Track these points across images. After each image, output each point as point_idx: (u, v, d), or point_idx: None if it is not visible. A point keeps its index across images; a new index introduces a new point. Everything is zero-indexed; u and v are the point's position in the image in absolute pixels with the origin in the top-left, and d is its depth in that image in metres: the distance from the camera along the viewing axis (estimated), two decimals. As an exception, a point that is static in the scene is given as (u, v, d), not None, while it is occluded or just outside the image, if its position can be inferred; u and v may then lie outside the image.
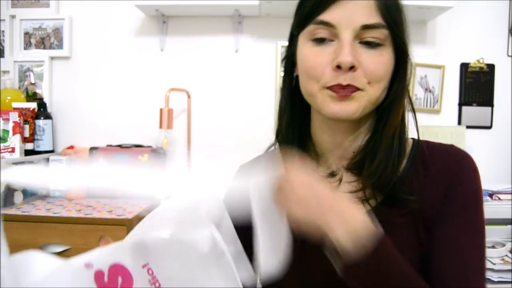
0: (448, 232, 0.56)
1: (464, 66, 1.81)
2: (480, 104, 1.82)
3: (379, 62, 0.55)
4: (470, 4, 1.78)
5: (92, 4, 1.86)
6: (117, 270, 0.45)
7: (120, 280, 0.44)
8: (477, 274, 0.55)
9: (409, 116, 0.64)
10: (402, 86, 0.59)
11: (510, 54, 1.81)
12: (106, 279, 0.44)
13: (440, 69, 1.80)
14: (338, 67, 0.54)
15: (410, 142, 0.64)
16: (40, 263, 0.44)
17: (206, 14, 1.80)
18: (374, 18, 0.54)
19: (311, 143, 0.65)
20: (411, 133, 0.65)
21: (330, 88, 0.55)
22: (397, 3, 0.57)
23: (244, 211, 0.50)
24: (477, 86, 1.81)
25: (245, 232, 0.53)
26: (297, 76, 0.63)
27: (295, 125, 0.65)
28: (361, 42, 0.55)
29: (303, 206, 0.48)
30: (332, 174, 0.62)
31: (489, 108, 1.82)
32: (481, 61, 1.80)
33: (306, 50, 0.58)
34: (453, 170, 0.59)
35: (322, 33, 0.56)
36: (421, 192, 0.58)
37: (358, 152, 0.61)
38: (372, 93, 0.56)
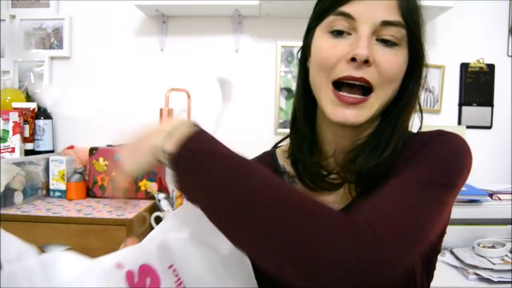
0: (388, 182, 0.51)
1: (464, 66, 1.81)
2: (480, 104, 1.82)
3: (394, 61, 0.55)
4: (470, 4, 1.78)
5: (92, 4, 1.86)
6: (146, 270, 0.45)
7: (148, 281, 0.45)
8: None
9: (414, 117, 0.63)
10: (416, 88, 0.59)
11: (510, 54, 1.81)
12: (136, 279, 0.44)
13: (440, 69, 1.80)
14: (353, 59, 0.53)
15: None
16: (69, 263, 0.43)
17: (206, 14, 1.80)
18: (394, 16, 0.54)
19: (316, 139, 0.65)
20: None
21: (336, 88, 0.54)
22: (416, 5, 0.58)
23: None
24: (477, 86, 1.81)
25: None
26: (308, 69, 0.63)
27: (308, 118, 0.64)
28: (378, 40, 0.55)
29: (132, 148, 0.52)
30: (334, 171, 0.61)
31: (489, 108, 1.82)
32: (481, 61, 1.80)
33: (322, 41, 0.57)
34: (432, 137, 0.56)
35: (341, 25, 0.55)
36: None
37: (356, 147, 0.59)
38: (383, 96, 0.55)
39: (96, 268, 0.42)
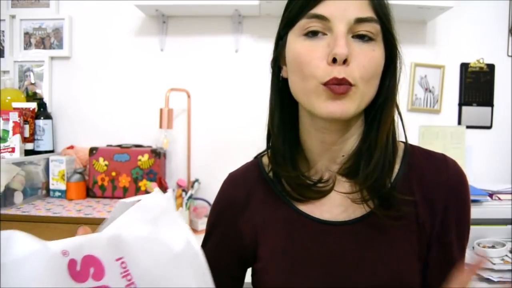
0: (446, 256, 0.59)
1: (464, 66, 1.81)
2: (480, 104, 1.82)
3: (371, 57, 0.54)
4: (470, 4, 1.78)
5: (92, 4, 1.86)
6: (90, 261, 0.45)
7: (92, 270, 0.45)
8: None
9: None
10: (393, 83, 0.59)
11: (510, 54, 1.81)
12: (78, 267, 0.45)
13: (440, 69, 1.80)
14: (334, 60, 0.53)
15: (401, 145, 0.64)
16: (22, 242, 0.45)
17: (206, 14, 1.80)
18: (367, 12, 0.54)
19: (300, 148, 0.64)
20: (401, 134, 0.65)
21: (326, 85, 0.53)
22: (385, 3, 0.58)
23: None
24: (477, 86, 1.81)
25: None
26: (284, 79, 0.62)
27: (286, 129, 0.63)
28: (354, 36, 0.54)
29: None
30: (321, 180, 0.61)
31: (489, 108, 1.82)
32: (481, 61, 1.80)
33: (298, 45, 0.56)
34: (455, 189, 0.60)
35: (315, 26, 0.54)
36: (417, 197, 0.59)
37: (351, 155, 0.60)
38: (364, 90, 0.55)
39: (43, 251, 0.44)
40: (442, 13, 1.68)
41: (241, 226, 0.65)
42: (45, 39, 1.87)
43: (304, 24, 0.55)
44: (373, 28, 0.54)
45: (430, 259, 0.59)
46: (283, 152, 0.62)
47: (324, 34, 0.55)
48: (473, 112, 1.82)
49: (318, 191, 0.61)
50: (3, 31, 1.88)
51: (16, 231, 0.45)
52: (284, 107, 0.63)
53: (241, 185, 0.68)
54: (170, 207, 0.49)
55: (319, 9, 0.54)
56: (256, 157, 0.73)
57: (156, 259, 0.47)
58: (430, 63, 1.79)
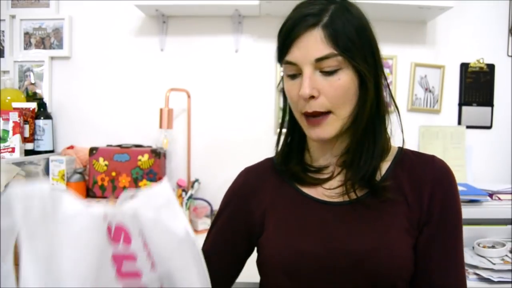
0: (434, 241, 0.66)
1: (464, 66, 1.81)
2: (480, 104, 1.82)
3: (337, 86, 0.65)
4: (470, 4, 1.78)
5: (92, 4, 1.86)
6: (121, 228, 0.54)
7: (122, 235, 0.54)
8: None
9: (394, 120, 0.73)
10: (365, 99, 0.67)
11: (510, 54, 1.81)
12: (112, 234, 0.53)
13: (440, 69, 1.80)
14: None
15: (395, 149, 0.75)
16: (71, 202, 0.52)
17: (206, 14, 1.80)
18: (325, 50, 0.63)
19: (306, 148, 0.78)
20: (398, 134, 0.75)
21: (304, 115, 0.67)
22: (350, 30, 0.64)
23: None
24: (477, 86, 1.81)
25: None
26: None
27: (296, 132, 0.76)
28: (321, 71, 0.65)
29: None
30: (322, 168, 0.74)
31: (489, 108, 1.82)
32: (481, 61, 1.80)
33: (286, 85, 0.70)
34: (438, 179, 0.69)
35: (291, 70, 0.67)
36: (405, 191, 0.68)
37: (345, 152, 0.72)
38: (343, 113, 0.67)
39: (89, 213, 0.52)
40: (442, 13, 1.68)
41: (252, 206, 0.76)
42: (45, 39, 1.87)
43: (284, 68, 0.69)
44: (334, 61, 0.64)
45: (419, 245, 0.67)
46: (289, 150, 0.77)
47: (300, 73, 0.66)
48: (473, 112, 1.82)
49: (318, 178, 0.73)
50: (3, 31, 1.88)
51: (66, 192, 0.52)
52: (294, 118, 0.75)
53: (255, 174, 0.81)
54: (173, 199, 0.56)
55: (288, 56, 0.66)
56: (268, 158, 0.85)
57: (164, 240, 0.54)
58: (430, 63, 1.79)
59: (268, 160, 0.83)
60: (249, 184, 0.79)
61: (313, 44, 0.63)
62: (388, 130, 0.72)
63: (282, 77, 0.74)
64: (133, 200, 0.56)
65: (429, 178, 0.69)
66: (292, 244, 0.68)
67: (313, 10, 0.64)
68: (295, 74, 0.67)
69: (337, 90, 0.65)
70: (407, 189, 0.68)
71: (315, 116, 0.67)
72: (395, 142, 0.77)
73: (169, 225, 0.54)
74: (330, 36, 0.63)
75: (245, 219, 0.77)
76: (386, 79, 0.71)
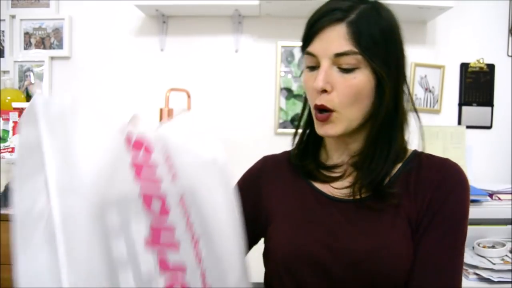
0: (428, 241, 0.64)
1: (464, 66, 1.81)
2: (480, 104, 1.82)
3: (350, 85, 0.64)
4: (470, 4, 1.78)
5: (92, 4, 1.86)
6: (142, 141, 0.55)
7: (143, 147, 0.54)
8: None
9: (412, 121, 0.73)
10: (379, 104, 0.66)
11: (510, 54, 1.81)
12: (132, 143, 0.54)
13: (440, 69, 1.80)
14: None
15: (410, 151, 0.73)
16: (87, 112, 0.52)
17: (206, 14, 1.80)
18: (346, 46, 0.63)
19: (323, 145, 0.77)
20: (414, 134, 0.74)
21: (315, 109, 0.68)
22: (376, 32, 0.64)
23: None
24: (477, 86, 1.81)
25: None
26: None
27: (311, 133, 0.76)
28: (339, 68, 0.64)
29: None
30: (335, 166, 0.74)
31: (489, 108, 1.82)
32: (481, 61, 1.80)
33: (304, 76, 0.70)
34: (443, 180, 0.67)
35: (311, 61, 0.67)
36: (410, 192, 0.67)
37: (358, 152, 0.71)
38: (348, 113, 0.66)
39: (107, 121, 0.54)
40: (442, 13, 1.68)
41: (263, 192, 0.77)
42: (45, 39, 1.87)
43: (305, 59, 0.69)
44: (353, 59, 0.63)
45: (415, 242, 0.65)
46: (304, 146, 0.77)
47: (319, 66, 0.66)
48: (473, 112, 1.82)
49: (329, 176, 0.73)
50: (3, 31, 1.88)
51: (84, 102, 0.52)
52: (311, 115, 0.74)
53: (272, 163, 0.82)
54: (209, 131, 0.61)
55: (310, 48, 0.66)
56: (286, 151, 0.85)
57: (190, 160, 0.57)
58: (430, 63, 1.79)
59: (286, 153, 0.83)
60: (265, 172, 0.80)
61: (335, 39, 0.63)
62: (406, 137, 0.72)
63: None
64: (168, 123, 0.61)
65: (435, 178, 0.67)
66: (295, 239, 0.69)
67: (342, 5, 0.64)
68: (314, 66, 0.67)
69: (350, 88, 0.64)
70: (412, 190, 0.67)
71: (322, 112, 0.66)
72: (411, 146, 0.75)
73: (197, 148, 0.58)
74: (353, 34, 0.62)
75: (254, 203, 0.77)
76: (408, 87, 0.70)
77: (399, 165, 0.70)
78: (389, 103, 0.66)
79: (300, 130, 0.79)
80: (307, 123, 0.77)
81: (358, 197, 0.68)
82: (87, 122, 0.50)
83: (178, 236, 0.53)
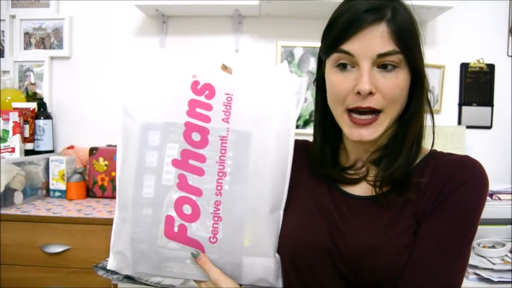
0: (426, 230, 0.63)
1: (464, 66, 1.81)
2: (480, 104, 1.82)
3: (395, 85, 0.63)
4: (470, 4, 1.78)
5: (92, 4, 1.86)
6: (208, 87, 0.66)
7: (206, 93, 0.66)
8: (441, 283, 0.60)
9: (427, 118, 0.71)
10: (419, 102, 0.67)
11: (510, 54, 1.81)
12: (198, 87, 0.66)
13: (440, 69, 1.80)
14: (359, 93, 0.62)
15: (426, 150, 0.71)
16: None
17: (206, 14, 1.80)
18: (388, 46, 0.61)
19: (342, 142, 0.75)
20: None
21: (350, 112, 0.65)
22: (410, 28, 0.64)
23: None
24: (477, 86, 1.81)
25: None
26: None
27: (329, 130, 0.74)
28: (379, 67, 0.62)
29: None
30: (353, 166, 0.72)
31: (489, 108, 1.82)
32: (481, 61, 1.80)
33: (332, 76, 0.66)
34: (456, 173, 0.64)
35: (344, 60, 0.64)
36: (421, 187, 0.65)
37: (379, 148, 0.69)
38: (392, 113, 0.64)
39: (179, 66, 0.69)
40: (442, 13, 1.68)
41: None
42: (45, 39, 1.87)
43: (336, 57, 0.65)
44: (395, 58, 0.62)
45: (417, 232, 0.63)
46: (322, 152, 0.75)
47: (353, 66, 0.63)
48: (473, 112, 1.82)
49: (351, 178, 0.71)
50: (3, 31, 1.88)
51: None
52: (328, 118, 0.72)
53: (297, 147, 0.76)
54: (292, 80, 0.70)
55: (346, 46, 0.62)
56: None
57: (254, 107, 0.65)
58: (430, 63, 1.79)
59: (307, 143, 0.82)
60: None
61: (377, 39, 0.61)
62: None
63: (318, 71, 0.72)
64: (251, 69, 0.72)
65: (449, 172, 0.64)
66: (302, 231, 0.68)
67: (375, 4, 0.62)
68: (345, 64, 0.64)
69: (394, 89, 0.63)
70: (424, 187, 0.64)
71: (363, 114, 0.63)
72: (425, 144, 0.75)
73: (270, 96, 0.66)
74: (394, 32, 0.61)
75: None
76: (428, 83, 0.69)
77: (416, 162, 0.69)
78: (426, 101, 0.67)
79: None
80: (321, 129, 0.74)
81: (380, 191, 0.66)
82: (164, 66, 0.68)
83: (206, 166, 0.63)
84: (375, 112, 0.64)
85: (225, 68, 0.73)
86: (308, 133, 0.95)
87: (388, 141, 0.69)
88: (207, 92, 0.65)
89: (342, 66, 0.64)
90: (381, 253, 0.62)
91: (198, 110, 0.64)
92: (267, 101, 0.66)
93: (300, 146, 0.77)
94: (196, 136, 0.63)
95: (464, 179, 0.63)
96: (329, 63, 0.67)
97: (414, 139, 0.68)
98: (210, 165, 0.63)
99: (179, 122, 0.63)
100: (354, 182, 0.71)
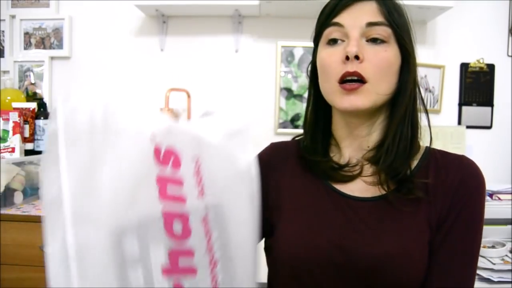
0: (447, 247, 0.62)
1: (464, 66, 1.81)
2: (480, 104, 1.82)
3: (383, 56, 0.62)
4: (470, 4, 1.78)
5: (92, 4, 1.86)
6: (171, 153, 0.51)
7: (172, 159, 0.51)
8: None
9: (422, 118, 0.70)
10: (406, 79, 0.65)
11: (510, 54, 1.81)
12: (161, 157, 0.50)
13: (440, 69, 1.80)
14: (347, 58, 0.62)
15: (422, 147, 0.70)
16: (119, 116, 0.48)
17: (206, 14, 1.80)
18: (377, 17, 0.63)
19: (333, 139, 0.73)
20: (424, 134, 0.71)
21: (340, 82, 0.63)
22: (398, 7, 0.65)
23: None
24: (477, 86, 1.81)
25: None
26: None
27: (319, 125, 0.73)
28: (368, 40, 0.63)
29: None
30: (348, 164, 0.69)
31: (489, 108, 1.82)
32: (481, 61, 1.80)
33: (322, 53, 0.67)
34: (463, 182, 0.64)
35: (335, 34, 0.65)
36: (429, 189, 0.64)
37: (375, 146, 0.68)
38: (378, 87, 0.63)
39: (137, 131, 0.49)
40: (442, 13, 1.68)
41: (270, 183, 0.72)
42: (45, 39, 1.87)
43: (327, 33, 0.66)
44: (384, 31, 0.63)
45: (433, 244, 0.63)
46: (313, 144, 0.72)
47: (343, 40, 0.64)
48: (473, 112, 1.82)
49: (345, 175, 0.69)
50: (3, 31, 1.88)
51: (118, 101, 0.49)
52: (320, 108, 0.72)
53: (280, 151, 0.77)
54: (247, 130, 0.56)
55: (337, 19, 0.64)
56: (294, 138, 0.80)
57: (222, 168, 0.54)
58: (430, 63, 1.79)
59: (295, 142, 0.78)
60: (272, 160, 0.75)
61: (366, 12, 0.63)
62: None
63: (312, 61, 0.72)
64: (201, 121, 0.56)
65: (455, 179, 0.64)
66: (305, 240, 0.64)
67: None
68: (336, 39, 0.64)
69: (382, 61, 0.62)
70: (432, 189, 0.64)
71: (352, 82, 0.62)
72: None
73: (234, 155, 0.54)
74: (383, 9, 0.63)
75: (261, 195, 0.72)
76: (416, 66, 0.68)
77: (416, 161, 0.68)
78: (413, 85, 0.66)
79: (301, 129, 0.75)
80: (314, 119, 0.73)
81: (382, 191, 0.65)
82: (115, 132, 0.47)
83: (196, 260, 0.51)
84: (363, 82, 0.63)
85: (173, 113, 0.63)
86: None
87: (382, 137, 0.67)
88: (172, 159, 0.51)
89: (333, 42, 0.65)
90: (394, 264, 0.60)
91: (170, 188, 0.50)
92: (237, 154, 0.56)
93: (287, 149, 0.76)
94: (177, 226, 0.50)
95: (473, 185, 0.64)
96: (321, 43, 0.67)
97: (402, 125, 0.66)
98: (200, 259, 0.51)
99: (156, 214, 0.48)
100: (349, 179, 0.68)
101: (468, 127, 1.80)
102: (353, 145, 0.70)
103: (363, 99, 0.63)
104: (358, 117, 0.67)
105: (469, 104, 1.82)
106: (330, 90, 0.65)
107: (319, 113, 0.73)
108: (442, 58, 1.80)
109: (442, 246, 0.62)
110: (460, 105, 1.83)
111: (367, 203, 0.65)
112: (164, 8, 1.72)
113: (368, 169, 0.68)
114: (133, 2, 1.67)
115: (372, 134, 0.68)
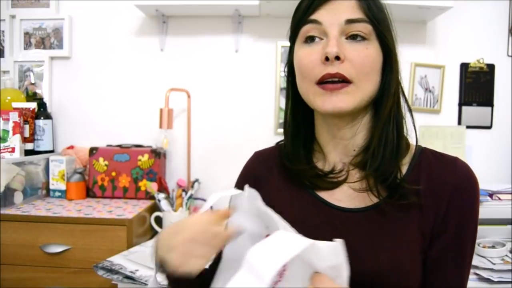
0: (442, 258, 0.60)
1: (464, 66, 1.81)
2: (480, 104, 1.82)
3: (365, 55, 0.59)
4: (470, 4, 1.78)
5: (92, 4, 1.86)
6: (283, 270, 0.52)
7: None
8: None
9: (407, 118, 0.66)
10: (390, 77, 0.63)
11: (510, 54, 1.81)
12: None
13: (440, 69, 1.80)
14: (327, 59, 0.58)
15: (412, 146, 0.67)
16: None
17: (206, 14, 1.80)
18: (357, 14, 0.60)
19: (316, 144, 0.70)
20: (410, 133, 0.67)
21: (319, 83, 0.60)
22: (378, 3, 0.62)
23: None
24: (477, 86, 1.81)
25: None
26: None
27: (301, 129, 0.69)
28: (347, 38, 0.60)
29: None
30: (332, 171, 0.66)
31: (489, 108, 1.82)
32: (481, 61, 1.80)
33: (299, 52, 0.63)
34: (458, 189, 0.61)
35: (312, 32, 0.61)
36: (423, 193, 0.61)
37: (361, 149, 0.64)
38: (362, 86, 0.60)
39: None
40: (442, 13, 1.68)
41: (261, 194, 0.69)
42: (45, 39, 1.87)
43: (304, 31, 0.62)
44: (364, 28, 0.60)
45: (430, 254, 0.60)
46: (294, 150, 0.68)
47: (321, 38, 0.61)
48: (473, 112, 1.82)
49: (331, 182, 0.66)
50: (3, 31, 1.88)
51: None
52: (299, 108, 0.69)
53: (264, 161, 0.74)
54: (344, 268, 0.49)
55: (314, 15, 0.61)
56: (277, 143, 0.77)
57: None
58: (430, 63, 1.79)
59: (276, 149, 0.75)
60: (258, 172, 0.73)
61: (345, 8, 0.59)
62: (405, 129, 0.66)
63: (289, 59, 0.68)
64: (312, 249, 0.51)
65: (449, 183, 0.61)
66: None
67: None
68: (313, 37, 0.61)
69: (365, 58, 0.59)
70: (424, 194, 0.61)
71: (335, 83, 0.59)
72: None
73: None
74: (363, 6, 0.60)
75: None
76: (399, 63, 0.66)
77: (407, 165, 0.64)
78: (397, 82, 0.63)
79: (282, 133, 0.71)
80: (294, 124, 0.69)
81: (373, 199, 0.61)
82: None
83: None
84: (346, 82, 0.59)
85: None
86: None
87: (367, 140, 0.64)
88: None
89: (310, 40, 0.61)
90: (387, 280, 0.58)
91: None
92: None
93: (270, 158, 0.73)
94: None
95: (469, 193, 0.61)
96: (298, 42, 0.64)
97: (387, 125, 0.63)
98: None
99: None
100: (335, 186, 0.65)
101: (468, 127, 1.80)
102: (337, 148, 0.67)
103: (346, 100, 0.59)
104: (340, 119, 0.64)
105: (469, 104, 1.82)
106: (309, 91, 0.62)
107: (299, 117, 0.70)
108: (442, 58, 1.80)
109: (438, 259, 0.60)
110: (460, 105, 1.82)
111: (357, 215, 0.62)
112: (164, 8, 1.72)
113: (354, 174, 0.65)
114: (133, 2, 1.67)
115: (356, 136, 0.65)
